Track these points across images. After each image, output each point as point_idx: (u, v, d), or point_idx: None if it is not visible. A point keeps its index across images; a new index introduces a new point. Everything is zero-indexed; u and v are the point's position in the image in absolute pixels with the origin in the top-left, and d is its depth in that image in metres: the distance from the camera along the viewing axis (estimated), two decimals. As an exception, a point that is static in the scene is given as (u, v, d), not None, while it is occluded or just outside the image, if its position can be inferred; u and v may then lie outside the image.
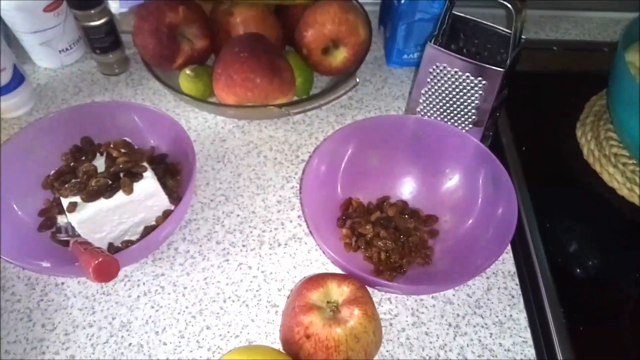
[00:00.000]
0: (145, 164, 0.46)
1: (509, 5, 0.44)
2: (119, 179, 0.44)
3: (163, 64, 0.58)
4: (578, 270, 0.53)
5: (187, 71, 0.57)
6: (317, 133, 0.61)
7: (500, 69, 0.47)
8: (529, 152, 0.60)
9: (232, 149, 0.59)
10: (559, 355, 0.45)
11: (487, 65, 0.47)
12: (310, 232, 0.50)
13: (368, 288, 0.44)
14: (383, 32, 0.71)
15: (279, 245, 0.51)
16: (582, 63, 0.72)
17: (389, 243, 0.50)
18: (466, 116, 0.52)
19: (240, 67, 0.54)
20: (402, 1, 0.62)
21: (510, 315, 0.48)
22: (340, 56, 0.60)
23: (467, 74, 0.49)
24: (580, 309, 0.49)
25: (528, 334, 0.47)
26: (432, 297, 0.49)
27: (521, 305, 0.48)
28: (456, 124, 0.53)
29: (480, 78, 0.48)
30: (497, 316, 0.48)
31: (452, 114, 0.53)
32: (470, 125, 0.52)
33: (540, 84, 0.68)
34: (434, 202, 0.53)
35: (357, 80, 0.59)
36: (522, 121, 0.63)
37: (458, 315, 0.48)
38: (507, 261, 0.51)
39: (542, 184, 0.58)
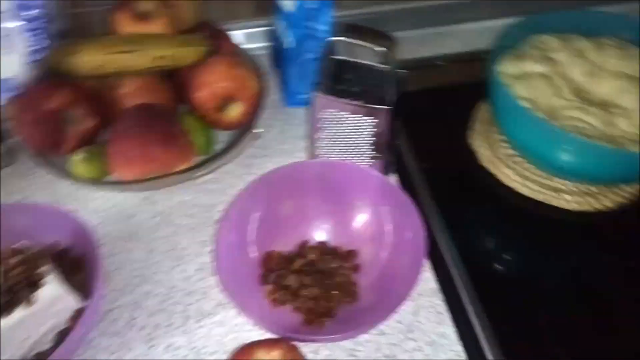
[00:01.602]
0: (45, 267, 0.44)
1: (380, 49, 0.46)
2: (17, 292, 0.42)
3: (52, 152, 0.56)
4: (495, 273, 0.56)
5: (79, 155, 0.55)
6: (228, 189, 0.61)
7: (387, 107, 0.49)
8: (432, 168, 0.63)
9: (141, 224, 0.57)
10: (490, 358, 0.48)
11: (374, 106, 0.49)
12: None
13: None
14: (277, 74, 0.73)
15: (206, 315, 0.50)
16: (467, 73, 0.76)
17: (315, 290, 0.50)
18: (365, 152, 0.54)
19: (134, 142, 0.53)
20: (289, 45, 0.63)
21: (441, 332, 0.49)
22: (236, 111, 0.61)
23: (357, 115, 0.50)
24: (503, 310, 0.51)
25: (459, 347, 0.49)
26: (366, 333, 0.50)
27: (448, 320, 0.50)
28: (358, 160, 0.55)
29: (370, 117, 0.50)
30: (428, 336, 0.49)
31: (352, 152, 0.55)
32: (372, 160, 0.54)
33: (432, 99, 0.71)
34: (351, 237, 0.54)
35: (259, 130, 0.60)
36: (420, 139, 0.66)
37: (393, 344, 0.49)
38: (429, 280, 0.53)
39: (448, 197, 0.61)
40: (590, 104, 0.57)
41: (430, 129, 0.68)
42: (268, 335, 0.45)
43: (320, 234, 0.55)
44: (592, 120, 0.55)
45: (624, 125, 0.55)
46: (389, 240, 0.52)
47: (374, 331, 0.49)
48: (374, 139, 0.52)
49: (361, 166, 0.54)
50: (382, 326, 0.50)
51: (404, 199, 0.51)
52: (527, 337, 0.50)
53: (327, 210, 0.55)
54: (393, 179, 0.61)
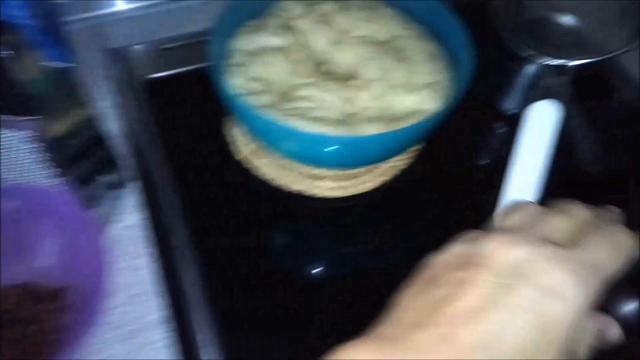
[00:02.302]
0: None
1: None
2: None
3: None
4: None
5: None
6: None
7: (35, 117, 0.38)
8: (183, 168, 0.54)
9: None
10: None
11: (16, 117, 0.38)
12: None
13: None
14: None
15: None
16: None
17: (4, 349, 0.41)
18: (41, 169, 0.43)
19: None
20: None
21: None
22: None
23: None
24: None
25: None
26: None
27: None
28: (36, 180, 0.44)
29: (21, 130, 0.40)
30: None
31: (23, 172, 0.44)
32: (56, 178, 0.44)
33: (186, 86, 0.61)
34: (57, 271, 0.45)
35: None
36: (170, 135, 0.56)
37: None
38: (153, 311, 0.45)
39: (202, 202, 0.53)
40: (329, 79, 0.50)
41: (183, 121, 0.58)
42: None
43: (16, 275, 0.45)
44: (328, 98, 0.48)
45: (364, 100, 0.49)
46: (87, 265, 0.43)
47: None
48: (48, 153, 0.41)
49: (42, 188, 0.43)
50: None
51: (87, 216, 0.42)
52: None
53: (15, 244, 0.45)
54: (125, 190, 0.51)
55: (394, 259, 0.49)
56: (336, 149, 0.44)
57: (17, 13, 0.50)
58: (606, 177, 0.51)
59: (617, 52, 0.49)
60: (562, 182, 0.47)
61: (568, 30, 0.58)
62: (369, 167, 0.54)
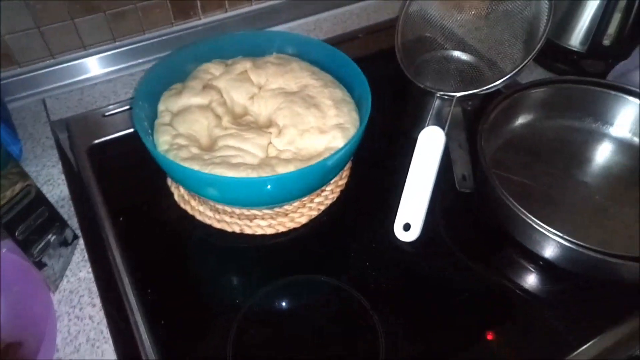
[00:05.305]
0: None
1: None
2: None
3: None
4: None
5: None
6: None
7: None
8: (127, 219, 0.59)
9: None
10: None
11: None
12: None
13: None
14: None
15: None
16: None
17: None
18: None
19: None
20: None
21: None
22: None
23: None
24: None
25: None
26: None
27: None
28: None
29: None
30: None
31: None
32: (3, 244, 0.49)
33: (132, 146, 0.67)
34: (8, 326, 0.48)
35: None
36: (115, 190, 0.62)
37: None
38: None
39: (143, 248, 0.57)
40: (248, 129, 0.56)
41: (127, 176, 0.64)
42: None
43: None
44: (246, 145, 0.54)
45: (280, 144, 0.55)
46: (34, 322, 0.47)
47: None
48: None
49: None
50: None
51: (33, 275, 0.46)
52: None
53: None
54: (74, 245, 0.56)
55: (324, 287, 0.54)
56: (259, 188, 0.50)
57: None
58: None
59: (495, 85, 0.58)
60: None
61: (468, 66, 0.68)
62: (297, 205, 0.59)
